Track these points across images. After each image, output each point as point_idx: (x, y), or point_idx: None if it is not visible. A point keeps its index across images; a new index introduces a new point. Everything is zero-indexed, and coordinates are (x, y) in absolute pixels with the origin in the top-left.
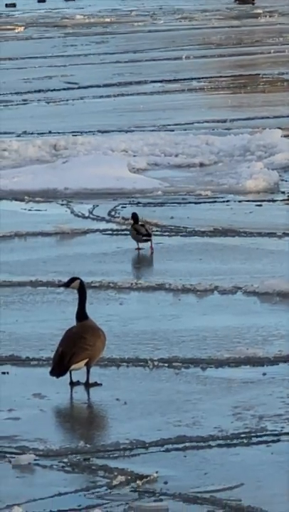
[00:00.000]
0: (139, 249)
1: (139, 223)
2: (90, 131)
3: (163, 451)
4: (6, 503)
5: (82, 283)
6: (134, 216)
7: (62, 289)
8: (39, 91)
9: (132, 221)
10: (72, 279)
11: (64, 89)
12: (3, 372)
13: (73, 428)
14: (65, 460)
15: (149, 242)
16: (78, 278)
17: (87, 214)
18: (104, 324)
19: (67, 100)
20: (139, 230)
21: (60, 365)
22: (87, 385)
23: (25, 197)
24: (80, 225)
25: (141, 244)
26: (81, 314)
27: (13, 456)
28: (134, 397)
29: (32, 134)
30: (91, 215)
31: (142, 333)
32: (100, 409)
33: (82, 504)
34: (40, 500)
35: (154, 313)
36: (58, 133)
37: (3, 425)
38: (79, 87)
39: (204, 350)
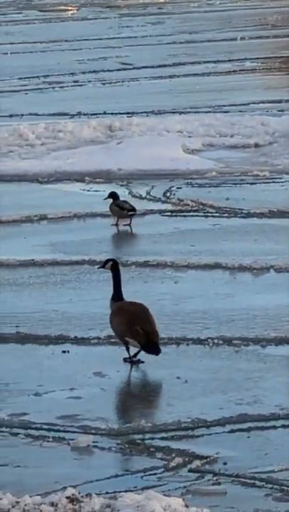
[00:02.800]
0: (117, 224)
1: (121, 200)
2: (144, 112)
3: (227, 431)
4: (62, 484)
5: (114, 263)
6: (113, 194)
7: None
8: (94, 72)
9: (110, 199)
10: (107, 261)
11: (118, 70)
12: (64, 351)
13: (134, 407)
14: (124, 441)
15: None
16: (112, 259)
17: (144, 195)
18: (156, 303)
19: (122, 81)
20: (123, 206)
21: (154, 342)
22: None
23: (86, 178)
24: (137, 206)
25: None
26: (115, 294)
27: (73, 438)
28: (194, 376)
29: (87, 115)
30: (148, 196)
31: (193, 312)
32: (161, 387)
33: (138, 486)
34: (96, 482)
35: (208, 291)
36: (113, 114)
37: (64, 404)
38: (133, 68)
39: (252, 330)
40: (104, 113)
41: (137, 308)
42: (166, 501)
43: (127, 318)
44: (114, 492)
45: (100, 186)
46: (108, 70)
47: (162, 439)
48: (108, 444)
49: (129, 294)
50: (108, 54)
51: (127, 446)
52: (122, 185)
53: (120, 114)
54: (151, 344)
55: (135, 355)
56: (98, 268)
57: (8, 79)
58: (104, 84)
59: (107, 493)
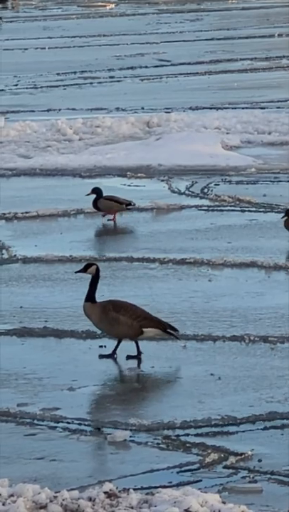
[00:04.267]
0: (114, 219)
1: (105, 196)
2: (182, 108)
3: (261, 429)
4: (97, 479)
5: (98, 268)
6: (97, 190)
7: (154, 265)
8: (131, 68)
9: (93, 194)
10: (89, 265)
11: (156, 66)
12: (101, 346)
13: (166, 403)
14: (160, 436)
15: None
16: (94, 264)
17: (182, 190)
18: (187, 300)
19: (160, 77)
20: (120, 200)
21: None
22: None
23: (128, 173)
24: (175, 201)
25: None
26: (91, 296)
27: (110, 432)
28: (228, 373)
29: (125, 110)
30: (186, 192)
31: (222, 310)
32: (194, 384)
33: (173, 481)
34: (131, 477)
35: (240, 290)
36: (151, 110)
37: (98, 399)
38: (171, 65)
39: (278, 328)
40: (142, 109)
41: (128, 302)
42: (203, 497)
43: (139, 310)
44: (150, 487)
45: (141, 181)
46: (145, 67)
47: (196, 435)
48: (145, 439)
49: (161, 291)
50: (146, 50)
51: (163, 441)
52: (162, 181)
53: (158, 110)
54: (170, 326)
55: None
56: (76, 272)
57: (46, 74)
58: (142, 80)
59: (142, 488)
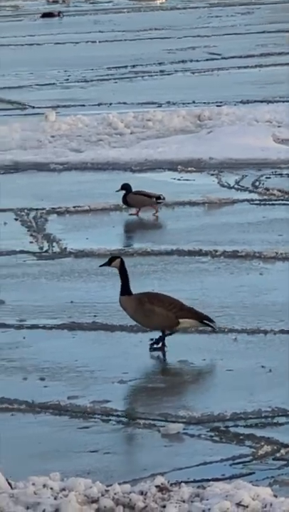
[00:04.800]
0: (138, 214)
1: (134, 191)
2: (233, 102)
3: None
4: (150, 471)
5: (122, 261)
6: (126, 186)
7: (206, 258)
8: (182, 62)
9: (123, 191)
10: (113, 258)
11: (207, 60)
12: (152, 339)
13: (216, 395)
14: (213, 429)
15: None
16: (119, 257)
17: (232, 184)
18: (237, 294)
19: (211, 71)
20: (150, 194)
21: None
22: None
23: (178, 166)
24: (227, 195)
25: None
26: (125, 289)
27: (162, 425)
28: (278, 365)
29: (176, 104)
30: (236, 186)
31: (272, 304)
32: (245, 376)
33: (226, 474)
34: (185, 469)
35: None
36: (202, 103)
37: (149, 392)
38: (222, 58)
39: None
40: (194, 102)
41: (164, 294)
42: (255, 491)
43: (174, 301)
44: (202, 480)
45: (191, 175)
46: (196, 60)
47: (246, 427)
48: (197, 431)
49: (212, 285)
50: (197, 44)
51: (216, 433)
52: (212, 175)
53: (209, 103)
54: (206, 317)
55: (162, 340)
56: (100, 266)
57: (97, 68)
58: (193, 73)
59: (195, 481)
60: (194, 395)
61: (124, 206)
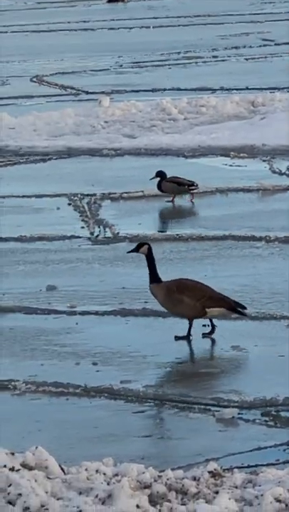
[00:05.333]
0: (173, 201)
1: (168, 178)
2: (287, 88)
3: None
4: (205, 456)
5: (150, 248)
6: (161, 173)
7: (260, 243)
8: (235, 48)
9: (158, 178)
10: (141, 245)
11: (260, 46)
12: (204, 325)
13: (268, 380)
14: (267, 414)
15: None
16: (147, 243)
17: (283, 171)
18: (288, 281)
19: (265, 57)
20: (182, 182)
21: (236, 302)
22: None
23: (231, 153)
24: (282, 182)
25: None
26: (154, 277)
27: (217, 409)
28: None
29: (229, 90)
30: (287, 172)
31: None
32: None
33: (280, 459)
34: (238, 455)
35: None
36: (256, 89)
37: (199, 377)
38: (275, 44)
39: None
40: (247, 88)
41: (194, 282)
42: None
43: (204, 290)
44: (256, 465)
45: (244, 161)
46: (250, 46)
47: None
48: (253, 416)
49: (265, 271)
50: (250, 30)
51: (270, 418)
52: (264, 161)
53: (263, 89)
54: (238, 304)
55: (189, 332)
56: (128, 252)
57: (150, 53)
58: (246, 59)
59: (248, 466)
60: (246, 380)
61: (160, 193)
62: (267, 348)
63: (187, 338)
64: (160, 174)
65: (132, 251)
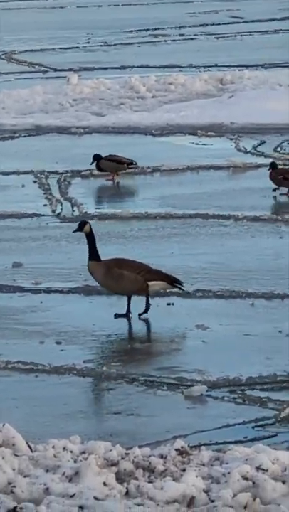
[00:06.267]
0: (113, 179)
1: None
2: (256, 66)
3: None
4: (173, 433)
5: (90, 226)
6: (97, 156)
7: (228, 222)
8: (204, 25)
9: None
10: (83, 223)
11: (229, 23)
12: (168, 304)
13: (232, 359)
14: (235, 392)
15: None
16: (87, 222)
17: (252, 149)
18: (257, 258)
19: (234, 35)
20: (121, 160)
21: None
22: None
23: (198, 131)
24: (251, 160)
25: None
26: (94, 254)
27: (186, 387)
28: None
29: (198, 67)
30: (256, 151)
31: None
32: (261, 340)
33: (248, 436)
34: (207, 432)
35: None
36: (225, 67)
37: (164, 356)
38: (244, 22)
39: None
40: (216, 66)
41: (132, 260)
42: (275, 455)
43: (142, 265)
44: (224, 443)
45: (211, 140)
46: (218, 24)
47: (261, 390)
48: (221, 393)
49: (232, 249)
50: (219, 7)
51: (239, 396)
52: (231, 139)
53: (232, 67)
54: (176, 279)
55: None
56: (73, 232)
57: (119, 31)
58: (216, 38)
59: (216, 443)
60: (210, 359)
61: (98, 173)
62: (232, 326)
63: (127, 315)
64: (96, 157)
65: (76, 230)
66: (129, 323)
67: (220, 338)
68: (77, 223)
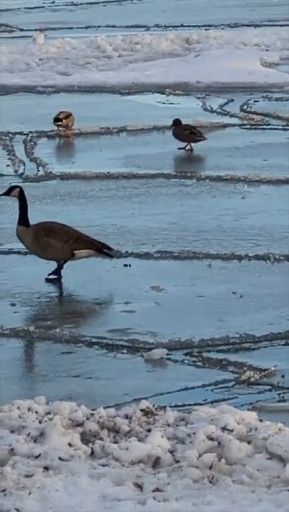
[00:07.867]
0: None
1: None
2: (221, 25)
3: (282, 344)
4: (133, 396)
5: (21, 191)
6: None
7: (190, 181)
8: None
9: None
10: (12, 188)
11: None
12: (125, 265)
13: (186, 321)
14: (197, 355)
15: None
16: (18, 186)
17: (219, 108)
18: (217, 218)
19: None
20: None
21: (105, 245)
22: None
23: (166, 90)
24: (216, 119)
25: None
26: (23, 219)
27: (146, 350)
28: (250, 291)
29: (164, 27)
30: (222, 110)
31: (249, 229)
32: (216, 302)
33: (208, 399)
34: (167, 394)
35: (271, 208)
36: (191, 26)
37: (117, 318)
38: None
39: None
40: (182, 26)
41: (61, 225)
42: (240, 415)
43: (70, 233)
44: (185, 405)
45: (178, 99)
46: None
47: (216, 352)
48: (181, 357)
49: (193, 209)
50: None
51: (199, 359)
52: (198, 98)
53: (198, 26)
54: (104, 245)
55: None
56: (0, 195)
57: None
58: None
59: (178, 405)
60: (161, 321)
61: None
62: (187, 288)
63: (58, 279)
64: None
65: (3, 194)
66: (84, 285)
67: (174, 299)
68: (41, 182)
